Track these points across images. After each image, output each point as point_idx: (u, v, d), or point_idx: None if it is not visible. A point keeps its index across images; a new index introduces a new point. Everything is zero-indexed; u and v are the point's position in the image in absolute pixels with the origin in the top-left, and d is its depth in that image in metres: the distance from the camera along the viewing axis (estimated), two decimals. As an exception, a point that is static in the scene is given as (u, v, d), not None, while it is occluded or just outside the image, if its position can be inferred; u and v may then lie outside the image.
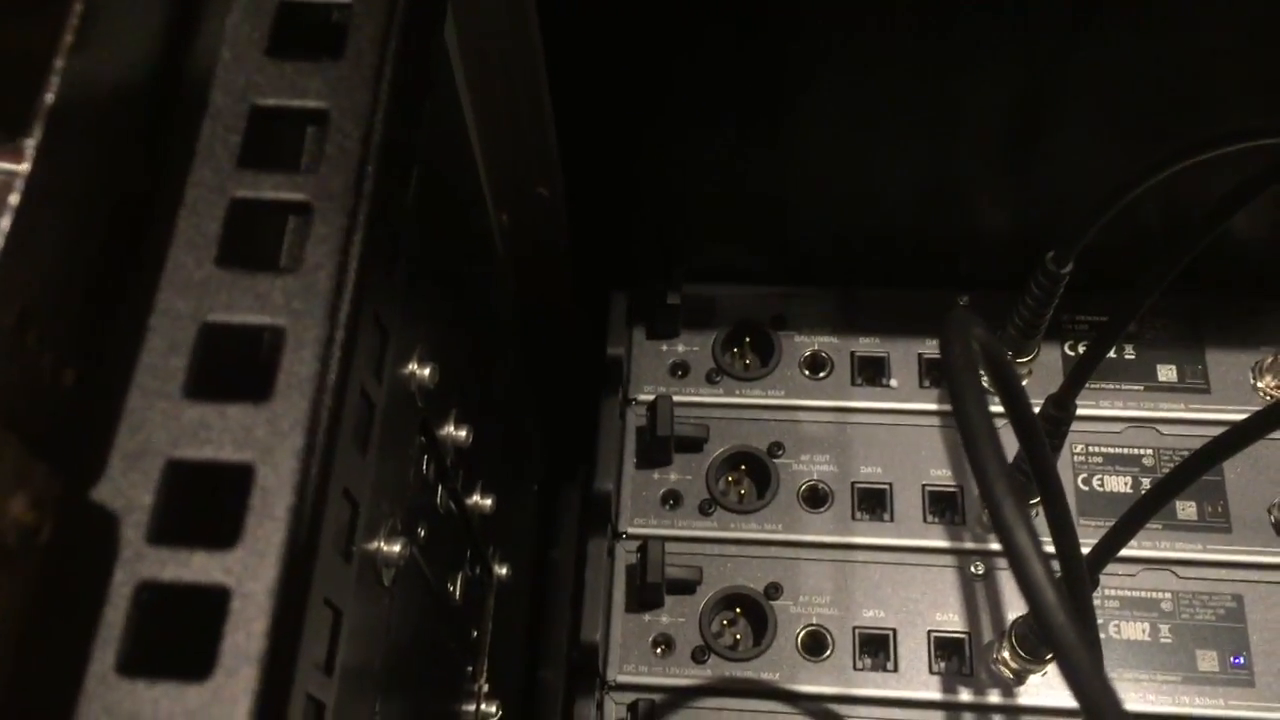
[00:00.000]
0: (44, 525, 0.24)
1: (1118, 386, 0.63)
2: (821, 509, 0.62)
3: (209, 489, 0.25)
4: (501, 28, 0.49)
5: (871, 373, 0.65)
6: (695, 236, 0.67)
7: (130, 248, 0.27)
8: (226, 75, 0.28)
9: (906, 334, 0.65)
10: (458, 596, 0.50)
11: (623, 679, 0.59)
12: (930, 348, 0.65)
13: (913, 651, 0.58)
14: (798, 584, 0.60)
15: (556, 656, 0.67)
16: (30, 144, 0.24)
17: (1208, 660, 0.57)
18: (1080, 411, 0.54)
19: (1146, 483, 0.60)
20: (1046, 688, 0.57)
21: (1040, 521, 0.47)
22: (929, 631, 0.58)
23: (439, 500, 0.46)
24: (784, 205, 0.65)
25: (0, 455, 0.23)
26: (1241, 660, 0.57)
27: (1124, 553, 0.51)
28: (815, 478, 0.62)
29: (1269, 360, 0.62)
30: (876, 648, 0.58)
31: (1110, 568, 0.52)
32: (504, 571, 0.58)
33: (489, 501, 0.52)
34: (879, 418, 0.63)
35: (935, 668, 0.58)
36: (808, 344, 0.66)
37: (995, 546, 0.59)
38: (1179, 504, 0.59)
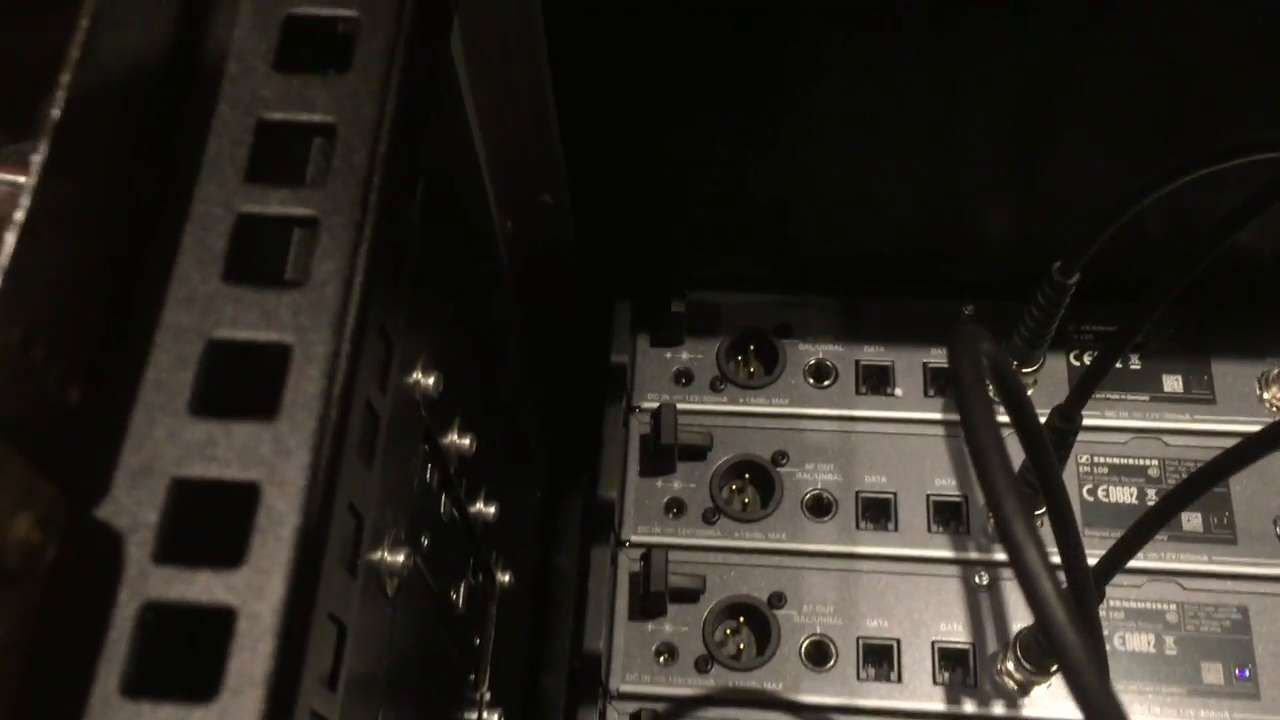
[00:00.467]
0: (48, 544, 0.24)
1: (1123, 397, 0.62)
2: (825, 518, 0.61)
3: (216, 506, 0.25)
4: (507, 35, 0.49)
5: (876, 382, 0.65)
6: (700, 244, 0.67)
7: (136, 263, 0.27)
8: (233, 89, 0.28)
9: (911, 343, 0.65)
10: (461, 604, 0.50)
11: (625, 688, 0.59)
12: (935, 357, 0.65)
13: (917, 662, 0.58)
14: (801, 593, 0.60)
15: (559, 665, 0.67)
16: (36, 159, 0.24)
17: (1213, 672, 0.57)
18: (1085, 422, 0.54)
19: (1152, 494, 0.60)
20: (1051, 699, 0.56)
21: (1046, 533, 0.47)
22: (933, 642, 0.58)
23: (442, 509, 0.46)
24: (789, 213, 0.65)
25: (4, 474, 0.23)
26: (1247, 673, 0.56)
27: (1129, 564, 0.51)
28: (819, 487, 0.62)
29: (1275, 371, 0.62)
30: (880, 658, 0.58)
31: (1116, 579, 0.52)
32: (507, 579, 0.58)
33: (492, 509, 0.52)
34: (883, 427, 0.63)
35: (939, 678, 0.58)
36: (812, 352, 0.66)
37: (1000, 557, 0.59)
38: (1184, 515, 0.59)
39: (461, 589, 0.50)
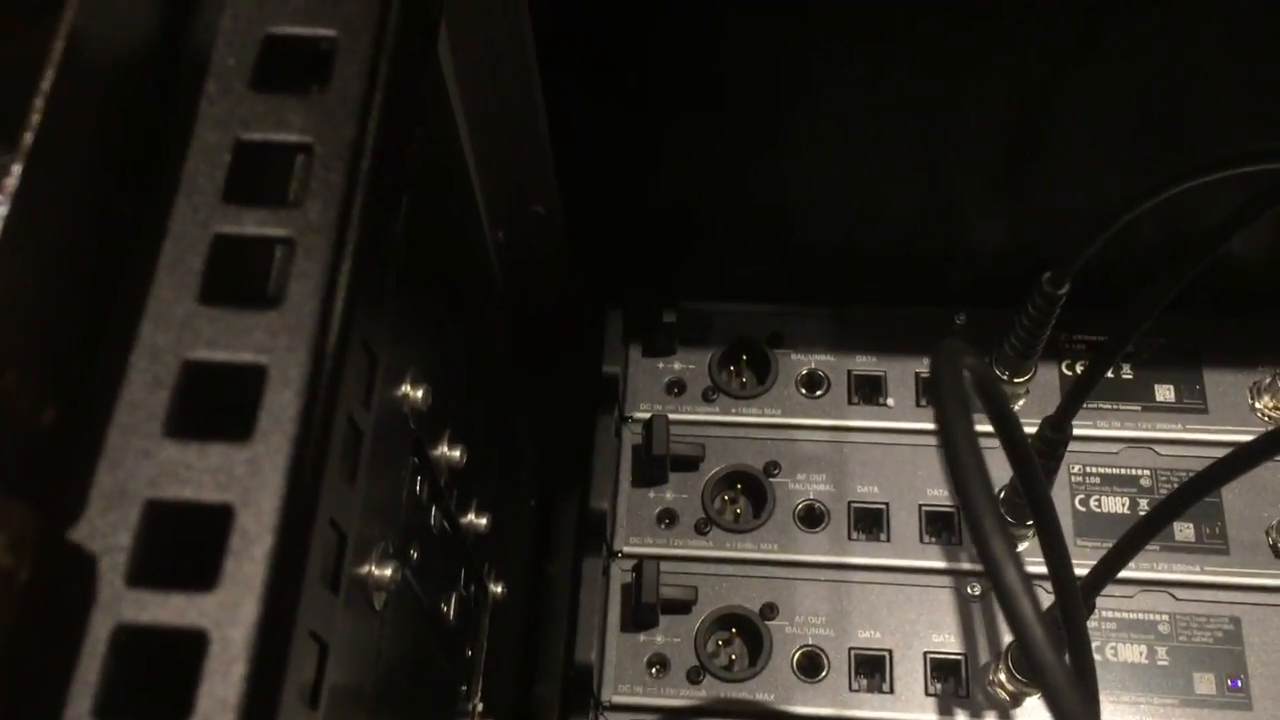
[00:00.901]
0: (21, 567, 0.24)
1: (1115, 406, 0.62)
2: (818, 529, 0.61)
3: (193, 528, 0.25)
4: (496, 44, 0.49)
5: (868, 391, 0.64)
6: (692, 254, 0.67)
7: (112, 283, 0.27)
8: (210, 108, 0.28)
9: (903, 353, 0.65)
10: (452, 616, 0.50)
11: (618, 699, 0.58)
12: (927, 367, 0.64)
13: (909, 673, 0.58)
14: (793, 604, 0.59)
15: (551, 676, 0.67)
16: (9, 181, 0.24)
17: (1205, 683, 0.56)
18: (1077, 432, 0.54)
19: (1144, 504, 0.60)
20: (1042, 710, 0.56)
21: (1035, 547, 0.47)
22: (925, 653, 0.58)
23: (432, 520, 0.46)
24: (781, 223, 0.65)
25: (-23, 497, 0.23)
26: (1239, 683, 0.56)
27: (1121, 574, 0.50)
28: (811, 497, 0.62)
29: (1267, 380, 0.62)
30: (872, 669, 0.58)
31: (1107, 589, 0.51)
32: (499, 590, 0.58)
33: (484, 520, 0.52)
34: (876, 437, 0.63)
35: (931, 689, 0.57)
36: (804, 362, 0.65)
37: (992, 567, 0.59)
38: (1176, 525, 0.59)
39: (453, 601, 0.50)
